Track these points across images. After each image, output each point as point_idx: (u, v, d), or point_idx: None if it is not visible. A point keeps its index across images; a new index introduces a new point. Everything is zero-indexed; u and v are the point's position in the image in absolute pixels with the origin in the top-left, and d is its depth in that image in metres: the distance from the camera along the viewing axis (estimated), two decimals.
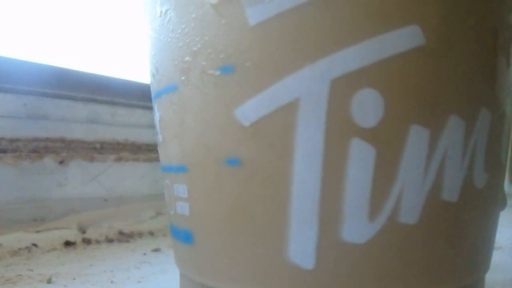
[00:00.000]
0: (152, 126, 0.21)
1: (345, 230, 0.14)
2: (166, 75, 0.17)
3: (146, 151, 0.47)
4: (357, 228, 0.14)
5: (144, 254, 0.34)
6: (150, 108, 0.20)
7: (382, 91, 0.14)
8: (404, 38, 0.14)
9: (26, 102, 0.37)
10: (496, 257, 0.20)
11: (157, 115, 0.19)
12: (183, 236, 0.18)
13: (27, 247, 0.33)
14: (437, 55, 0.14)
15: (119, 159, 0.44)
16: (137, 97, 0.45)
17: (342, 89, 0.14)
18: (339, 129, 0.14)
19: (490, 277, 0.19)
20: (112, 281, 0.26)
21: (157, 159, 0.20)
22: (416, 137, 0.14)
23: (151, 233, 0.41)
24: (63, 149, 0.39)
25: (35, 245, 0.33)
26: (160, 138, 0.19)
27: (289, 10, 0.14)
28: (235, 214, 0.15)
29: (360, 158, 0.14)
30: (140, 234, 0.41)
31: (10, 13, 0.38)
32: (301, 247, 0.14)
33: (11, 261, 0.30)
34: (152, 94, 0.19)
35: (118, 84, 0.45)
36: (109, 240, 0.38)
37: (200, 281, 0.17)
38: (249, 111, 0.14)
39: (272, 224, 0.15)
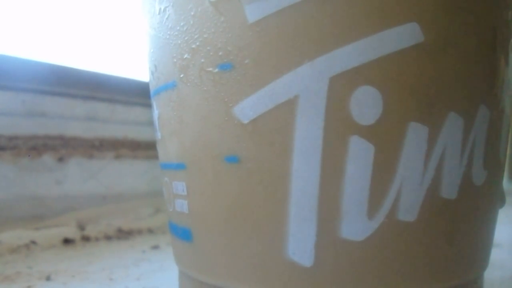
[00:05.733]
0: (151, 123, 0.21)
1: (344, 227, 0.14)
2: (165, 73, 0.17)
3: (145, 148, 0.47)
4: (356, 226, 0.14)
5: (143, 251, 0.34)
6: (149, 106, 0.20)
7: (381, 89, 0.14)
8: (402, 36, 0.14)
9: (25, 99, 0.37)
10: (495, 255, 0.20)
11: (155, 112, 0.19)
12: (182, 234, 0.18)
13: (26, 245, 0.33)
14: (436, 53, 0.14)
15: (118, 156, 0.44)
16: (136, 94, 0.45)
17: (341, 86, 0.14)
18: (338, 127, 0.14)
19: (489, 274, 0.19)
20: (111, 279, 0.26)
21: (156, 157, 0.20)
22: (415, 135, 0.14)
23: (150, 231, 0.41)
24: (62, 147, 0.39)
25: (34, 242, 0.33)
26: (158, 135, 0.19)
27: (288, 8, 0.14)
28: (233, 212, 0.15)
29: (359, 155, 0.14)
30: (139, 232, 0.41)
31: (9, 11, 0.38)
32: (300, 244, 0.14)
33: (10, 258, 0.30)
34: (151, 92, 0.19)
35: (117, 81, 0.44)
36: (108, 238, 0.38)
37: (199, 279, 0.17)
38: (248, 108, 0.14)
39: (270, 221, 0.15)
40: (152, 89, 0.19)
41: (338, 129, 0.14)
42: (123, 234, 0.39)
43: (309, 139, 0.14)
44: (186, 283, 0.19)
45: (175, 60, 0.16)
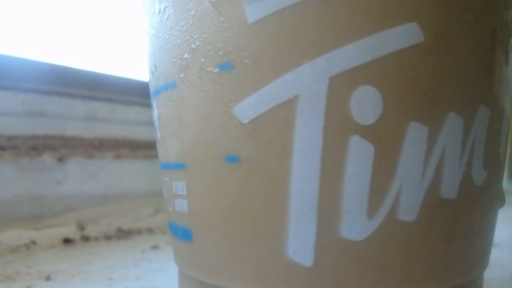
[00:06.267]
0: (151, 123, 0.21)
1: (343, 227, 0.14)
2: (165, 73, 0.17)
3: (145, 148, 0.47)
4: (355, 225, 0.14)
5: (143, 251, 0.34)
6: (149, 106, 0.20)
7: (380, 88, 0.14)
8: (402, 35, 0.14)
9: (25, 99, 0.37)
10: (495, 254, 0.20)
11: (155, 112, 0.19)
12: (182, 233, 0.18)
13: (25, 244, 0.33)
14: (436, 52, 0.14)
15: (118, 156, 0.44)
16: (136, 94, 0.45)
17: (340, 86, 0.14)
18: (338, 126, 0.14)
19: (489, 274, 0.19)
20: (111, 278, 0.26)
21: (156, 156, 0.20)
22: (415, 134, 0.14)
23: (150, 230, 0.41)
24: (62, 146, 0.39)
25: (34, 242, 0.33)
26: (158, 135, 0.19)
27: (287, 8, 0.14)
28: (233, 211, 0.15)
29: (359, 155, 0.14)
30: (139, 231, 0.41)
31: (9, 10, 0.38)
32: (300, 244, 0.14)
33: (9, 258, 0.30)
34: (151, 92, 0.19)
35: (117, 81, 0.44)
36: (108, 237, 0.38)
37: (199, 278, 0.17)
38: (248, 108, 0.14)
39: (270, 221, 0.15)
40: (152, 89, 0.19)
41: (338, 129, 0.14)
42: (123, 234, 0.39)
43: (309, 139, 0.14)
44: (186, 283, 0.19)
45: (175, 60, 0.16)
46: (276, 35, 0.14)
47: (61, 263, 0.29)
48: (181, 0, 0.16)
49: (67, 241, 0.35)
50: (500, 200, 0.18)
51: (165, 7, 0.16)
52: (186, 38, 0.16)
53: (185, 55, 0.16)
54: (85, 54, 0.43)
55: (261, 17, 0.14)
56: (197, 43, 0.15)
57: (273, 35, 0.14)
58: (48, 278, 0.25)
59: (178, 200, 0.17)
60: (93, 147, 0.42)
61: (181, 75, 0.16)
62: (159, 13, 0.17)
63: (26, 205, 0.36)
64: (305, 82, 0.14)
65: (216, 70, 0.15)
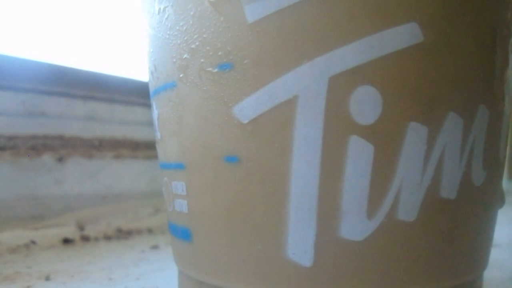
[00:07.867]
0: (150, 123, 0.21)
1: (343, 227, 0.14)
2: (164, 73, 0.17)
3: (145, 148, 0.47)
4: (355, 225, 0.14)
5: (143, 251, 0.34)
6: (149, 106, 0.20)
7: (380, 89, 0.14)
8: (402, 35, 0.14)
9: (24, 99, 0.37)
10: (495, 255, 0.20)
11: (155, 112, 0.19)
12: (182, 234, 0.18)
13: (25, 244, 0.33)
14: (436, 52, 0.14)
15: (117, 156, 0.44)
16: (135, 94, 0.45)
17: (340, 86, 0.14)
18: (337, 127, 0.14)
19: (488, 274, 0.19)
20: (110, 278, 0.26)
21: (155, 157, 0.20)
22: (415, 135, 0.14)
23: (150, 231, 0.41)
24: (62, 147, 0.39)
25: (33, 242, 0.33)
26: (158, 135, 0.19)
27: (287, 8, 0.14)
28: (233, 212, 0.15)
29: (358, 155, 0.14)
30: (139, 231, 0.41)
31: (8, 10, 0.38)
32: (300, 244, 0.14)
33: (9, 258, 0.30)
34: (151, 92, 0.19)
35: (117, 81, 0.44)
36: (108, 237, 0.38)
37: (199, 279, 0.17)
38: (247, 108, 0.14)
39: (270, 221, 0.15)
40: (151, 89, 0.19)
41: (337, 129, 0.14)
42: (123, 234, 0.39)
43: (309, 139, 0.14)
44: (186, 283, 0.19)
45: (174, 60, 0.16)
46: (275, 35, 0.14)
47: (61, 263, 0.29)
48: (180, 0, 0.16)
49: (66, 241, 0.35)
50: (500, 200, 0.18)
51: (165, 7, 0.16)
52: (185, 38, 0.16)
53: (185, 55, 0.16)
54: (85, 54, 0.43)
55: (260, 17, 0.14)
56: (197, 43, 0.15)
57: (273, 35, 0.14)
58: (47, 278, 0.25)
59: (178, 200, 0.17)
60: (93, 147, 0.42)
61: (181, 75, 0.16)
62: (158, 13, 0.17)
63: (26, 205, 0.36)
64: (305, 82, 0.14)
65: (215, 70, 0.15)
